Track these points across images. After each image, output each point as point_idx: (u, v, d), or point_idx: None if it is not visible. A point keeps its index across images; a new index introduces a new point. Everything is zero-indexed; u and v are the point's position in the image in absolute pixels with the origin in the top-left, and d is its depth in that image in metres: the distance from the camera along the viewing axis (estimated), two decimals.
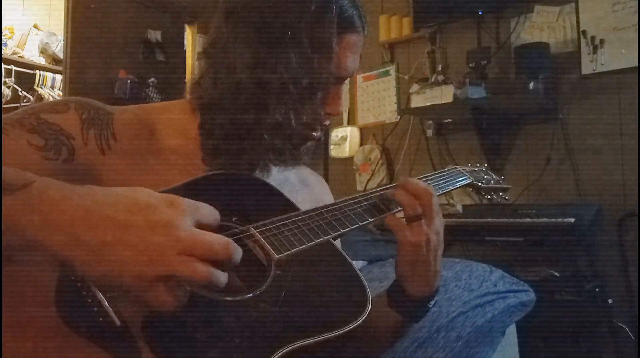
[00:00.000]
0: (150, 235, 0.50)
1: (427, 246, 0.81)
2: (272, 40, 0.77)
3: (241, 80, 0.77)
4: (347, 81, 0.88)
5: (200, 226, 0.53)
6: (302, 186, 0.98)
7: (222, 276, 0.52)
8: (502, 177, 1.16)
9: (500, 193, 1.13)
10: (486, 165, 1.18)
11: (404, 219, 0.83)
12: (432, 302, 0.87)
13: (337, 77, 0.83)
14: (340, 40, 0.80)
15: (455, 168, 1.08)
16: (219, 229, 0.68)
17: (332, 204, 0.81)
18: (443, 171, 1.03)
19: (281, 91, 0.77)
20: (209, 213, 0.55)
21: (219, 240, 0.52)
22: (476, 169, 1.13)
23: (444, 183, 0.99)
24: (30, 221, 0.51)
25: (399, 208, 0.85)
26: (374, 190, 0.88)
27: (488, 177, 1.13)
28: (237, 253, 0.53)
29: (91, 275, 0.51)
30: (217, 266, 0.52)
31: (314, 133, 0.85)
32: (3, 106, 3.97)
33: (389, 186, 0.89)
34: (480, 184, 1.09)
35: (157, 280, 0.50)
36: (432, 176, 0.99)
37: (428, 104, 2.72)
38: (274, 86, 0.77)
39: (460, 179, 1.05)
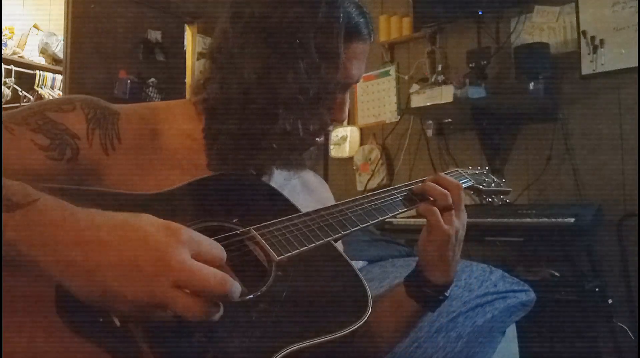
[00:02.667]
0: (144, 263, 0.49)
1: (456, 236, 0.86)
2: (281, 49, 0.76)
3: (249, 87, 0.77)
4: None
5: (200, 259, 0.51)
6: (303, 188, 0.98)
7: (215, 313, 0.51)
8: (503, 180, 1.17)
9: (501, 196, 1.14)
10: (487, 168, 1.18)
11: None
12: (448, 290, 0.90)
13: (343, 85, 0.83)
14: (347, 48, 0.80)
15: (457, 170, 1.08)
16: (219, 230, 0.68)
17: (333, 206, 0.81)
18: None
19: (290, 100, 0.77)
20: (211, 247, 0.53)
21: (215, 275, 0.50)
22: (477, 172, 1.13)
23: None
24: (27, 241, 0.51)
25: (403, 210, 0.87)
26: (375, 192, 0.88)
27: (489, 180, 1.13)
28: (234, 289, 0.51)
29: (84, 297, 0.51)
30: (214, 300, 0.51)
31: (317, 139, 0.85)
32: (3, 106, 3.97)
33: (410, 183, 0.91)
34: (481, 187, 1.09)
35: (152, 307, 0.50)
36: None
37: (428, 104, 2.72)
38: (283, 94, 0.77)
39: (461, 182, 1.05)
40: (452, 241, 0.85)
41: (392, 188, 0.91)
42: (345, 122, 3.43)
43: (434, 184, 0.87)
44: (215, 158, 0.82)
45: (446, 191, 0.86)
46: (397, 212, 0.87)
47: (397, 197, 0.89)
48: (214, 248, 0.54)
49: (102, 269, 0.49)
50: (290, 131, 0.79)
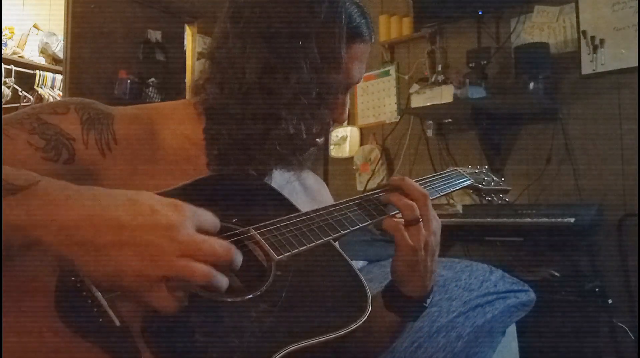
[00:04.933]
0: (152, 237, 0.50)
1: (426, 249, 0.81)
2: (283, 50, 0.76)
3: (250, 88, 0.77)
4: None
5: (201, 231, 0.54)
6: (302, 188, 0.97)
7: (223, 279, 0.53)
8: (503, 179, 1.16)
9: (501, 195, 1.13)
10: (487, 167, 1.18)
11: (402, 221, 0.83)
12: (428, 300, 0.88)
13: (344, 85, 0.83)
14: (348, 49, 0.80)
15: (456, 169, 1.08)
16: (219, 230, 0.68)
17: (332, 206, 0.81)
18: (443, 173, 1.03)
19: (292, 101, 0.77)
20: (209, 219, 0.56)
21: (220, 243, 0.52)
22: (476, 171, 1.13)
23: (444, 184, 0.99)
24: (32, 221, 0.51)
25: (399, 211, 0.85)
26: (374, 191, 0.88)
27: (488, 179, 1.13)
28: (238, 256, 0.54)
29: (92, 275, 0.51)
30: (218, 270, 0.52)
31: (317, 139, 0.85)
32: (3, 106, 3.97)
33: (386, 186, 0.89)
34: (480, 186, 1.09)
35: (158, 280, 0.50)
36: (433, 178, 0.99)
37: (428, 104, 2.72)
38: (285, 96, 0.77)
39: (461, 181, 1.05)
40: (421, 255, 0.81)
41: (385, 184, 0.90)
42: (345, 122, 3.44)
43: (400, 195, 0.83)
44: (215, 159, 0.82)
45: (412, 203, 0.81)
46: (397, 212, 0.87)
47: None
48: (211, 218, 0.56)
49: (110, 245, 0.50)
50: (293, 133, 0.79)
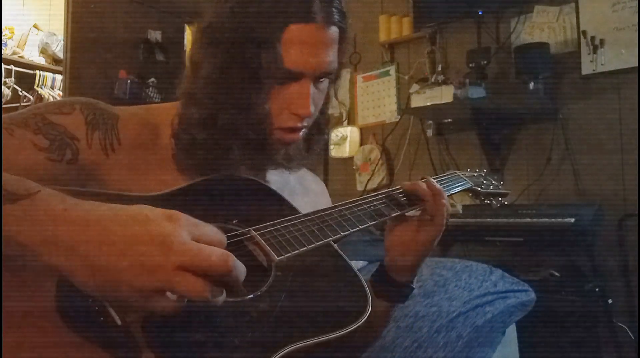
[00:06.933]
0: (148, 248, 0.50)
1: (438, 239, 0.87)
2: (215, 36, 0.77)
3: (193, 86, 0.82)
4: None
5: (202, 243, 0.52)
6: (301, 189, 0.98)
7: (219, 295, 0.51)
8: (502, 182, 1.17)
9: (499, 198, 1.14)
10: (485, 170, 1.18)
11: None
12: (413, 283, 0.91)
13: (289, 73, 0.75)
14: (286, 31, 0.73)
15: (455, 172, 1.08)
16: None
17: (332, 207, 0.81)
18: (443, 176, 1.03)
19: (217, 86, 0.78)
20: (211, 232, 0.54)
21: (217, 254, 0.51)
22: (475, 174, 1.14)
23: (443, 187, 0.99)
24: (29, 232, 0.51)
25: (399, 212, 0.87)
26: (374, 193, 0.89)
27: (487, 182, 1.13)
28: (238, 267, 0.52)
29: (88, 286, 0.51)
30: (218, 280, 0.51)
31: (286, 138, 0.81)
32: (3, 106, 3.97)
33: (392, 189, 0.90)
34: (479, 189, 1.10)
35: (154, 292, 0.50)
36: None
37: (428, 104, 2.72)
38: (212, 81, 0.78)
39: (460, 184, 1.06)
40: (439, 237, 0.87)
41: (388, 190, 0.90)
42: (345, 122, 3.45)
43: (429, 188, 0.88)
44: (182, 159, 0.81)
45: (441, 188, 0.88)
46: (397, 213, 0.87)
47: (396, 199, 0.89)
48: (214, 232, 0.54)
49: (105, 258, 0.50)
50: (225, 124, 0.78)
